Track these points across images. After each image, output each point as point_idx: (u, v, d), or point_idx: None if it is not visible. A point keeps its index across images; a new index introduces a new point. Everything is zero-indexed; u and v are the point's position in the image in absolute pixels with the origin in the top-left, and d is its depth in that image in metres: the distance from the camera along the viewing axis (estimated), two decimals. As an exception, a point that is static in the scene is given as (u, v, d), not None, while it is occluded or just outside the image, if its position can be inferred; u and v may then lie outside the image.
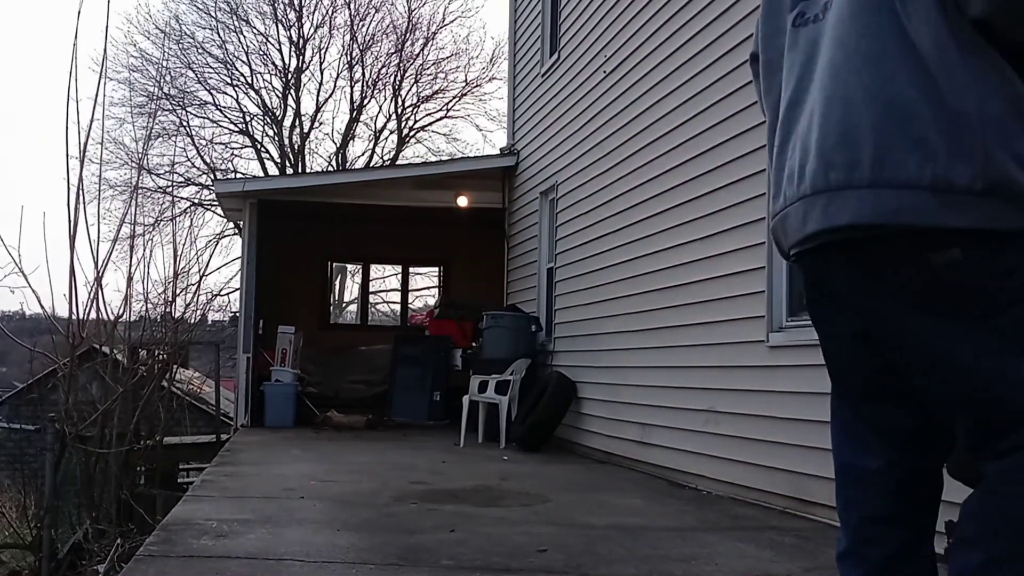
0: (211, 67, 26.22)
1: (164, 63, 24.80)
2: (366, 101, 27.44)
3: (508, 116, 13.28)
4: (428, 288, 21.31)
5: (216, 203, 18.17)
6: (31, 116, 64.49)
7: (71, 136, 13.06)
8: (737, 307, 6.49)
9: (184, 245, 12.66)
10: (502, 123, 22.68)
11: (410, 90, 27.47)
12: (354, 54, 27.01)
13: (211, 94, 26.26)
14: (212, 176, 25.03)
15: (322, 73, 27.16)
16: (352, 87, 27.44)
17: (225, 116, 26.47)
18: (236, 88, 26.53)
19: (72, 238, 9.89)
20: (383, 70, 27.18)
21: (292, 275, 14.34)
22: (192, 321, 13.37)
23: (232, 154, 26.92)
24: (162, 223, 18.33)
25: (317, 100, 27.21)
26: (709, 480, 6.71)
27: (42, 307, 10.05)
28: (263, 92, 26.83)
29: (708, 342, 6.89)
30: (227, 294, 22.38)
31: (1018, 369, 1.70)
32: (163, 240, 20.61)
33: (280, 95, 27.04)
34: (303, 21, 26.78)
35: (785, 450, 5.79)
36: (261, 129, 27.11)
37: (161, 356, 11.84)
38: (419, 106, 27.65)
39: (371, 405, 12.89)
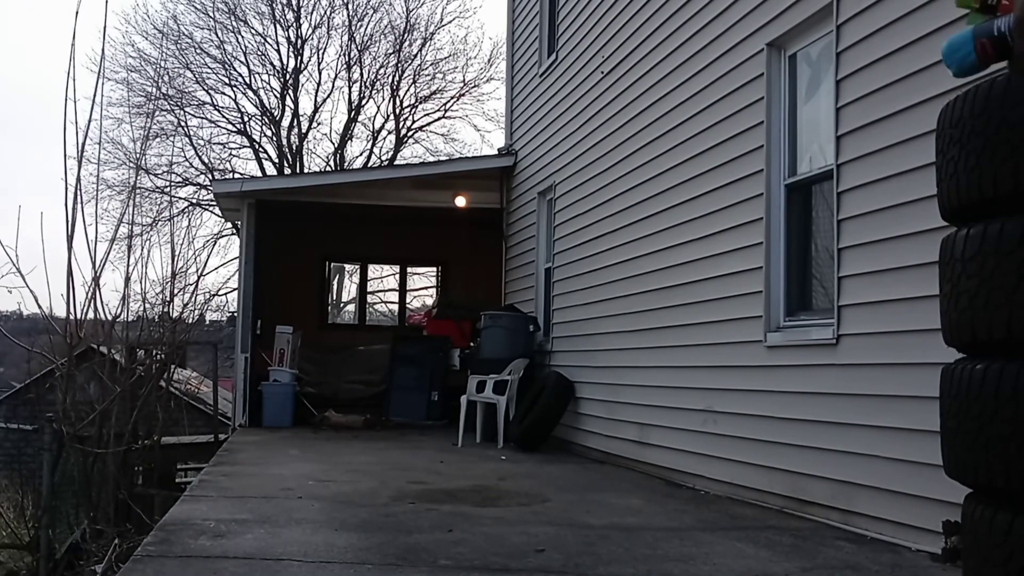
0: (209, 67, 26.20)
1: (162, 63, 24.78)
2: (364, 101, 27.44)
3: (506, 116, 13.28)
4: (426, 288, 21.30)
5: (214, 203, 18.17)
6: (29, 116, 64.43)
7: (69, 136, 13.05)
8: (735, 307, 6.49)
9: (182, 245, 12.71)
10: (500, 123, 22.68)
11: (408, 90, 27.48)
12: (352, 54, 27.01)
13: (209, 94, 26.25)
14: (210, 176, 25.01)
15: (320, 73, 27.16)
16: (350, 87, 27.44)
17: (223, 116, 26.46)
18: (234, 88, 26.52)
19: (70, 238, 9.91)
20: (381, 70, 27.18)
21: (290, 275, 14.34)
22: (190, 321, 13.38)
23: (230, 154, 26.91)
24: (160, 223, 18.34)
25: (315, 100, 27.21)
26: (707, 480, 6.72)
27: (39, 307, 10.08)
28: (261, 92, 26.82)
29: (706, 342, 6.89)
30: (225, 294, 22.37)
31: None
32: (161, 240, 20.57)
33: (278, 95, 27.02)
34: (301, 21, 26.78)
35: (783, 450, 5.80)
36: (259, 129, 27.11)
37: (159, 356, 11.85)
38: (417, 106, 27.65)
39: (369, 405, 12.90)
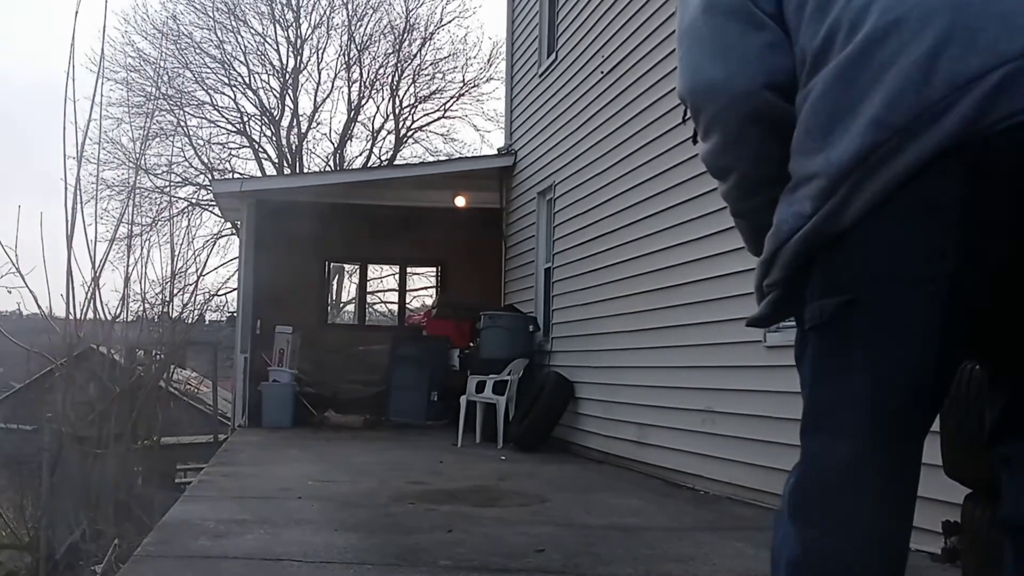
0: (208, 67, 26.16)
1: (161, 63, 24.73)
2: (364, 101, 27.42)
3: (506, 116, 13.27)
4: (426, 288, 21.31)
5: (214, 203, 18.18)
6: (28, 115, 64.37)
7: (69, 136, 13.04)
8: (734, 307, 6.48)
9: (181, 245, 12.71)
10: (500, 123, 22.66)
11: (408, 90, 27.45)
12: (352, 54, 26.98)
13: (209, 94, 26.22)
14: (210, 176, 24.99)
15: (320, 73, 27.13)
16: (350, 87, 27.42)
17: (223, 116, 26.45)
18: (234, 88, 26.49)
19: (69, 238, 9.93)
20: (381, 70, 27.15)
21: (290, 275, 14.30)
22: (190, 321, 13.38)
23: (230, 154, 26.88)
24: (160, 223, 18.33)
25: (315, 100, 27.18)
26: (707, 480, 6.72)
27: (39, 307, 10.10)
28: (261, 92, 26.80)
29: (706, 342, 6.89)
30: (224, 294, 22.40)
31: None
32: (160, 240, 20.54)
33: (278, 95, 27.01)
34: (300, 21, 26.76)
35: (783, 450, 5.79)
36: (259, 129, 27.09)
37: (159, 356, 11.85)
38: (417, 106, 27.62)
39: (369, 405, 12.89)
